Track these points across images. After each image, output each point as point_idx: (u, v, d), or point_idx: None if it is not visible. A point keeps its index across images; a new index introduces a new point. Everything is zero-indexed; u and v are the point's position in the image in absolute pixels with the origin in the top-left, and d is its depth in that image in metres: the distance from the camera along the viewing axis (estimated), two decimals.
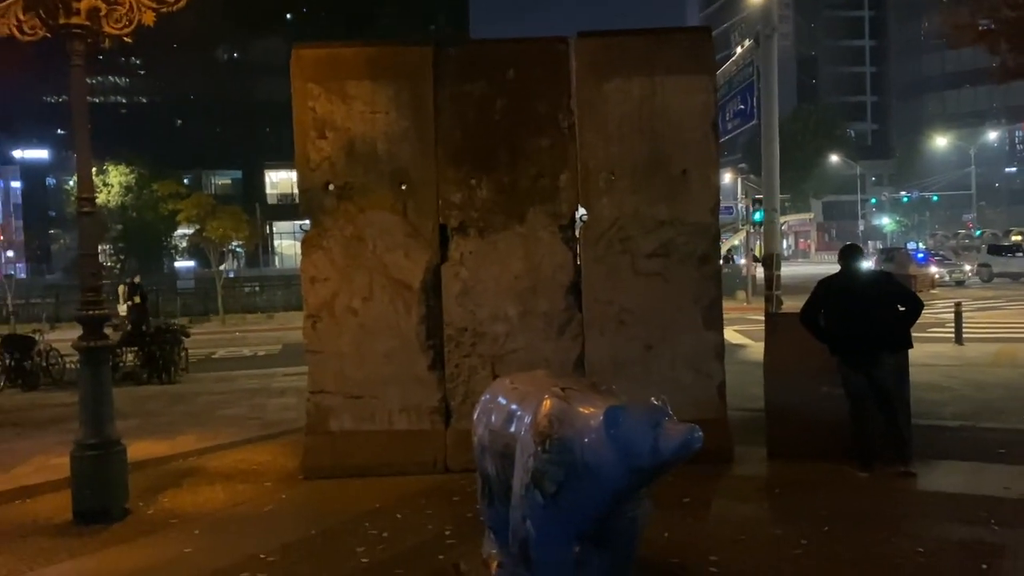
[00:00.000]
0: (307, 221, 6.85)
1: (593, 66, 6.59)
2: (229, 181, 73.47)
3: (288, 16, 70.29)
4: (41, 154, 71.17)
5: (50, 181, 73.31)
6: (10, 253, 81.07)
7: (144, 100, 78.83)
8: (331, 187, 6.63)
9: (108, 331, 11.68)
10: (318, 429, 6.65)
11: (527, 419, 3.44)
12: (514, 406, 3.65)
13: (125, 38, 5.74)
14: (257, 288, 40.24)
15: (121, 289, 15.65)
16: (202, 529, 5.38)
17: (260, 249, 57.35)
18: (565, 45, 6.65)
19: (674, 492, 5.31)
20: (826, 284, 6.31)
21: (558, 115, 6.63)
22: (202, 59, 74.11)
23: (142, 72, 79.12)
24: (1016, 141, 72.21)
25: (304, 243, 6.73)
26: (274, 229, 68.56)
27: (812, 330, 6.21)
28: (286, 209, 71.70)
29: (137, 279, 17.73)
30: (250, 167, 70.44)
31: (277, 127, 69.88)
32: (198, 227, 32.27)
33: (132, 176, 51.54)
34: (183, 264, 58.39)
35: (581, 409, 3.25)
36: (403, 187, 6.61)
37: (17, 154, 72.42)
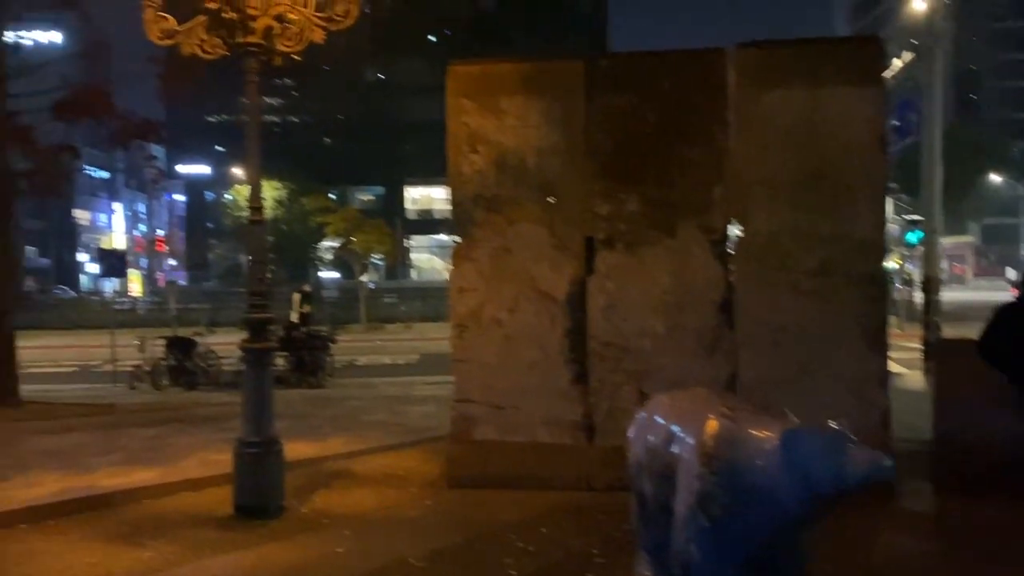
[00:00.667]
0: (450, 237, 6.97)
1: (752, 77, 6.38)
2: (372, 197, 76.39)
3: (431, 38, 72.65)
4: (202, 169, 76.45)
5: (209, 195, 78.51)
6: (173, 262, 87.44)
7: (295, 120, 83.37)
8: (481, 200, 6.71)
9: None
10: (463, 438, 6.71)
11: (691, 439, 3.30)
12: (675, 425, 3.52)
13: (294, 56, 6.03)
14: (395, 299, 41.60)
15: (295, 297, 16.51)
16: (352, 530, 5.52)
17: (399, 262, 59.41)
18: (722, 56, 6.47)
19: (837, 524, 4.99)
20: (1008, 310, 5.81)
21: (713, 127, 6.45)
22: (349, 81, 77.69)
23: (294, 93, 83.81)
24: None
25: (454, 255, 6.84)
26: (412, 243, 70.87)
27: (992, 359, 5.72)
28: (424, 224, 74.00)
29: (308, 288, 18.62)
30: (391, 183, 73.12)
31: (418, 145, 72.33)
32: (343, 240, 33.75)
33: (283, 191, 54.63)
34: (327, 275, 61.23)
35: (752, 431, 3.09)
36: (551, 200, 6.61)
37: (181, 169, 78.19)
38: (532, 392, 6.59)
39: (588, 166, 6.60)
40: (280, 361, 15.25)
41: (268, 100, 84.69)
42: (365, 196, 74.96)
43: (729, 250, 6.49)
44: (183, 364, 15.03)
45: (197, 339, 15.53)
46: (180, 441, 8.65)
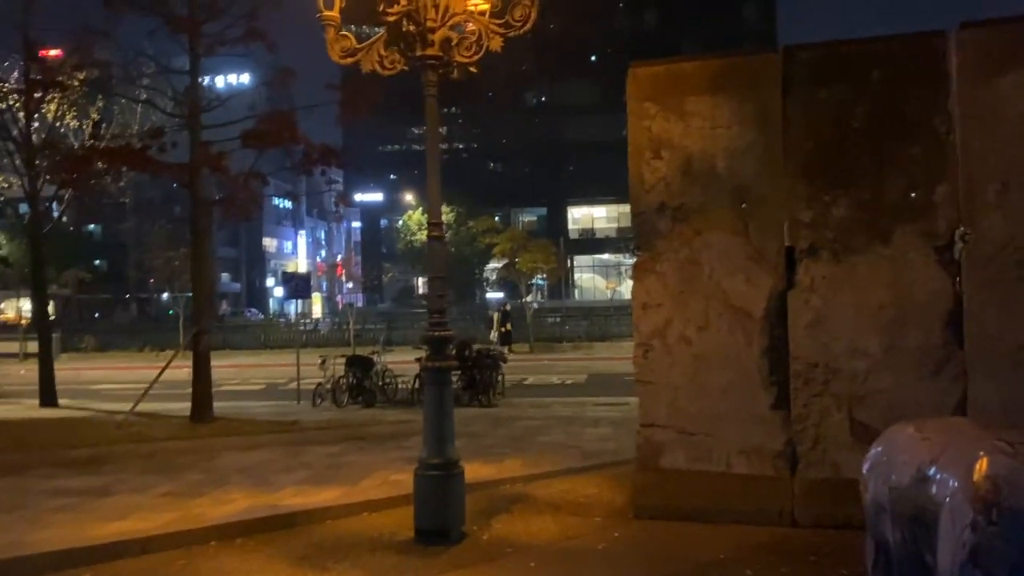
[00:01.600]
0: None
1: (981, 60, 5.56)
2: (535, 218, 77.25)
3: (592, 58, 72.74)
4: (376, 197, 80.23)
5: (383, 222, 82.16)
6: (350, 285, 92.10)
7: (460, 145, 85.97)
8: (666, 209, 6.25)
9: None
10: (649, 465, 6.24)
11: (956, 481, 2.71)
12: (930, 462, 2.93)
13: (472, 67, 5.86)
14: (559, 319, 41.50)
15: (496, 316, 16.79)
16: (538, 562, 5.18)
17: (562, 282, 59.49)
18: (943, 39, 5.70)
19: None
20: None
21: (933, 119, 5.68)
22: (512, 104, 79.16)
23: (459, 120, 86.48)
24: None
25: (636, 268, 6.41)
26: (575, 263, 70.89)
27: None
28: (586, 244, 73.92)
29: (508, 307, 18.82)
30: (554, 204, 73.70)
31: (579, 165, 72.60)
32: (507, 260, 34.04)
33: (452, 214, 56.22)
34: (493, 295, 62.32)
35: None
36: (744, 206, 6.05)
37: (358, 197, 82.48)
38: (726, 417, 6.03)
39: (787, 168, 5.99)
40: (453, 379, 15.41)
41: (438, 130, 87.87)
42: (528, 217, 75.84)
43: (956, 258, 5.68)
44: (362, 382, 15.42)
45: (374, 358, 15.91)
46: (360, 459, 8.70)
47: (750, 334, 6.03)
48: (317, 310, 75.40)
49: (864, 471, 3.35)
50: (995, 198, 5.52)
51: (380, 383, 15.42)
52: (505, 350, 15.28)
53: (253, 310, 69.14)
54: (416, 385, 14.54)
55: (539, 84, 78.11)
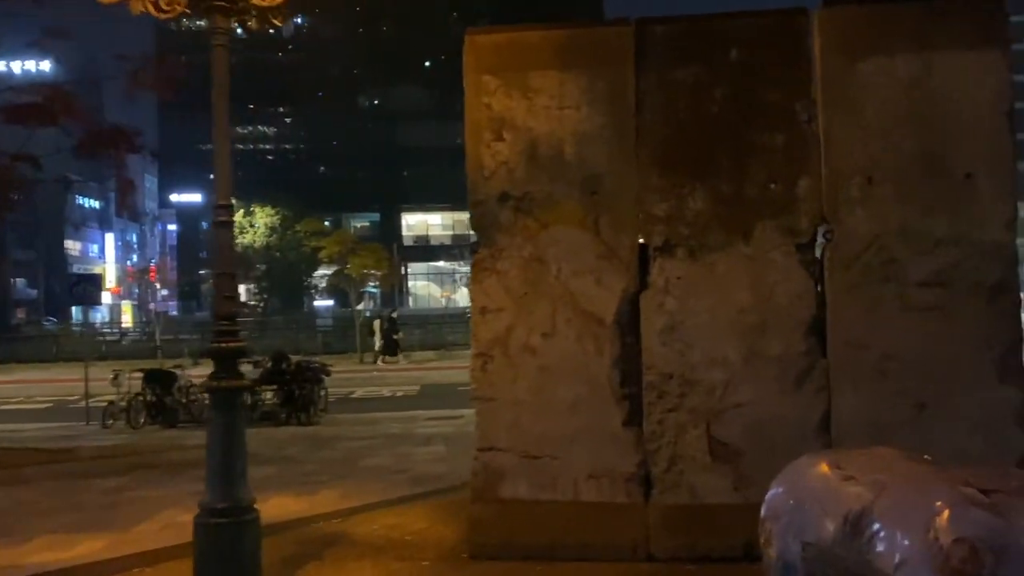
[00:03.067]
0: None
1: (845, 42, 5.14)
2: (367, 224, 75.41)
3: (426, 64, 71.85)
4: (195, 198, 75.27)
5: (204, 224, 77.29)
6: (164, 292, 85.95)
7: (289, 147, 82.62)
8: (508, 198, 5.43)
9: (247, 368, 10.92)
10: (487, 495, 5.37)
11: (908, 541, 2.01)
12: (860, 511, 2.22)
13: (273, 16, 4.78)
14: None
15: (376, 323, 15.31)
16: None
17: (395, 289, 58.07)
18: (805, 18, 5.24)
19: None
20: None
21: (795, 105, 5.20)
22: (344, 107, 76.97)
23: (288, 120, 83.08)
24: None
25: (475, 267, 5.55)
26: (409, 270, 69.60)
27: None
28: (420, 251, 72.86)
29: (395, 314, 17.33)
30: (387, 210, 72.06)
31: (414, 171, 71.42)
32: (338, 267, 32.47)
33: (276, 218, 53.42)
34: (322, 303, 59.82)
35: None
36: (595, 197, 5.34)
37: (174, 198, 77.13)
38: (575, 437, 5.27)
39: (641, 155, 5.33)
40: (268, 395, 13.97)
41: (263, 129, 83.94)
42: (360, 223, 73.85)
43: (819, 257, 5.22)
44: (162, 399, 13.67)
45: (178, 372, 14.18)
46: (146, 495, 7.28)
47: (601, 342, 5.31)
48: (127, 319, 69.69)
49: (764, 517, 2.65)
50: (859, 193, 5.10)
51: (184, 400, 13.73)
52: (379, 361, 13.99)
53: (52, 319, 62.72)
54: None
55: (373, 88, 76.35)
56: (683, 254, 5.26)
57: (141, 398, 13.62)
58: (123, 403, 13.55)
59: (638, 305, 5.28)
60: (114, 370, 14.35)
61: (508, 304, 5.41)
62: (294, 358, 14.88)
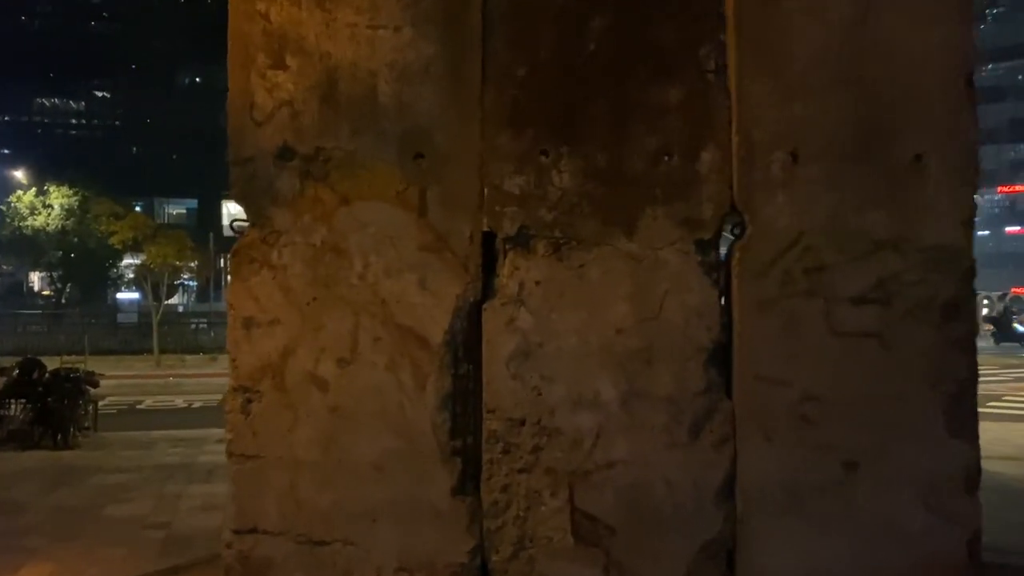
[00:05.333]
0: (234, 227, 3.88)
1: None
2: (184, 211, 70.03)
3: None
4: None
5: None
6: None
7: (100, 125, 75.63)
8: (291, 156, 3.66)
9: None
10: None
11: None
12: None
13: None
14: (204, 325, 36.73)
15: None
16: None
17: (212, 283, 53.65)
18: None
19: None
20: None
21: (698, 49, 3.77)
22: (164, 84, 71.19)
23: (99, 95, 75.92)
24: None
25: (236, 256, 3.74)
26: (228, 263, 64.97)
27: None
28: None
29: None
30: (207, 196, 66.79)
31: None
32: (138, 254, 28.97)
33: (76, 199, 47.78)
34: (126, 296, 54.31)
35: None
36: (420, 161, 3.68)
37: None
38: (379, 513, 3.59)
39: (487, 104, 3.72)
40: (17, 409, 11.30)
41: (71, 103, 75.99)
42: (176, 210, 68.36)
43: (725, 260, 3.82)
44: None
45: None
46: None
47: (423, 372, 3.65)
48: None
49: None
50: (780, 173, 3.73)
51: None
52: (96, 374, 11.48)
53: None
54: None
55: (196, 64, 70.82)
56: (544, 249, 3.70)
57: None
58: None
59: (479, 320, 3.68)
60: None
61: (287, 314, 3.64)
62: (53, 365, 12.20)
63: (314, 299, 3.64)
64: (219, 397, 17.60)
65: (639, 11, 3.77)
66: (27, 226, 48.09)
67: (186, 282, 51.47)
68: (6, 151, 66.72)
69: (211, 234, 50.34)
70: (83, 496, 7.38)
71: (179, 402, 16.98)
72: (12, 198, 49.77)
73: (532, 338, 3.66)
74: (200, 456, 9.69)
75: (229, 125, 3.70)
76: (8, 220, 51.06)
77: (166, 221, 61.34)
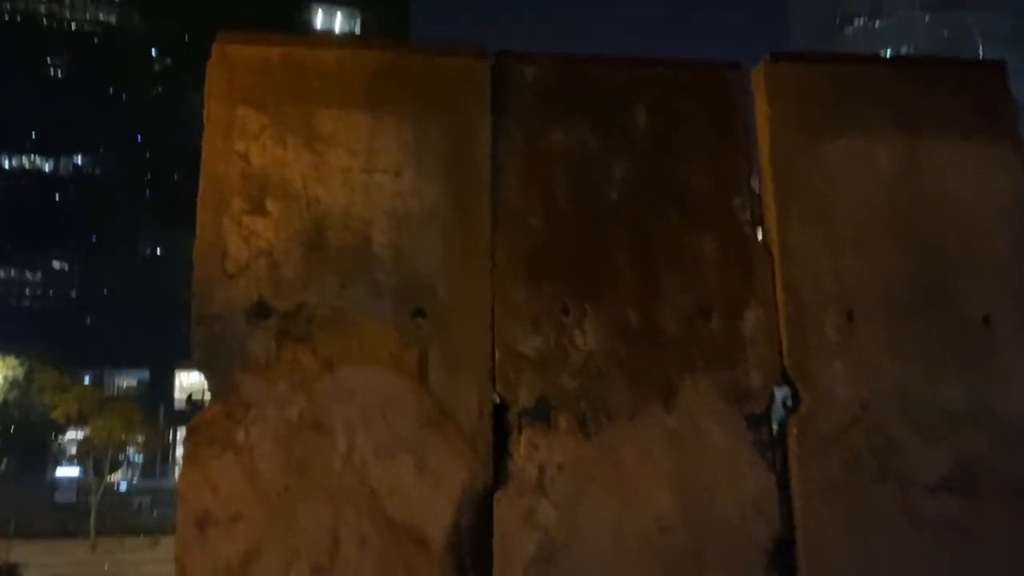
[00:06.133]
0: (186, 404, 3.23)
1: (801, 113, 3.45)
2: (135, 382, 68.20)
3: None
4: None
5: None
6: None
7: (53, 294, 74.80)
8: (268, 313, 3.09)
9: None
10: None
11: None
12: None
13: None
14: (148, 503, 34.51)
15: None
16: None
17: (159, 458, 51.15)
18: (740, 75, 3.55)
19: None
20: None
21: (731, 197, 3.38)
22: (123, 254, 71.29)
23: (56, 264, 75.58)
24: None
25: (192, 436, 3.06)
26: (178, 436, 62.33)
27: None
28: (194, 415, 66.09)
29: None
30: (159, 367, 65.17)
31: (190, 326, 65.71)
32: (82, 427, 27.43)
33: (22, 370, 46.08)
34: (66, 473, 51.34)
35: None
36: (420, 320, 3.13)
37: None
38: None
39: (499, 253, 3.23)
40: None
41: (25, 273, 75.29)
42: (128, 381, 66.44)
43: (779, 437, 3.24)
44: None
45: None
46: None
47: None
48: None
49: None
50: (836, 335, 3.25)
51: None
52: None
53: None
54: None
55: (154, 234, 71.27)
56: (568, 424, 3.09)
57: None
58: None
59: (490, 514, 3.00)
60: None
61: (252, 508, 2.93)
62: None
63: (286, 488, 2.95)
64: None
65: (664, 159, 3.39)
66: None
67: (132, 457, 49.09)
68: None
69: (161, 406, 48.68)
70: None
71: None
72: None
73: (556, 536, 2.98)
74: None
75: (195, 278, 3.13)
76: None
77: (116, 392, 59.36)
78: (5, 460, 48.98)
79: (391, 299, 3.14)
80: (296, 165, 3.22)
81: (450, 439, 3.04)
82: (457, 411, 3.07)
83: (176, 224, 65.78)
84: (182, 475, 2.98)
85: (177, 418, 57.72)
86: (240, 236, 3.14)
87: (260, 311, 3.08)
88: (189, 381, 66.80)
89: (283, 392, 3.02)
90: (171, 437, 57.68)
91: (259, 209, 3.15)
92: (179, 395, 64.72)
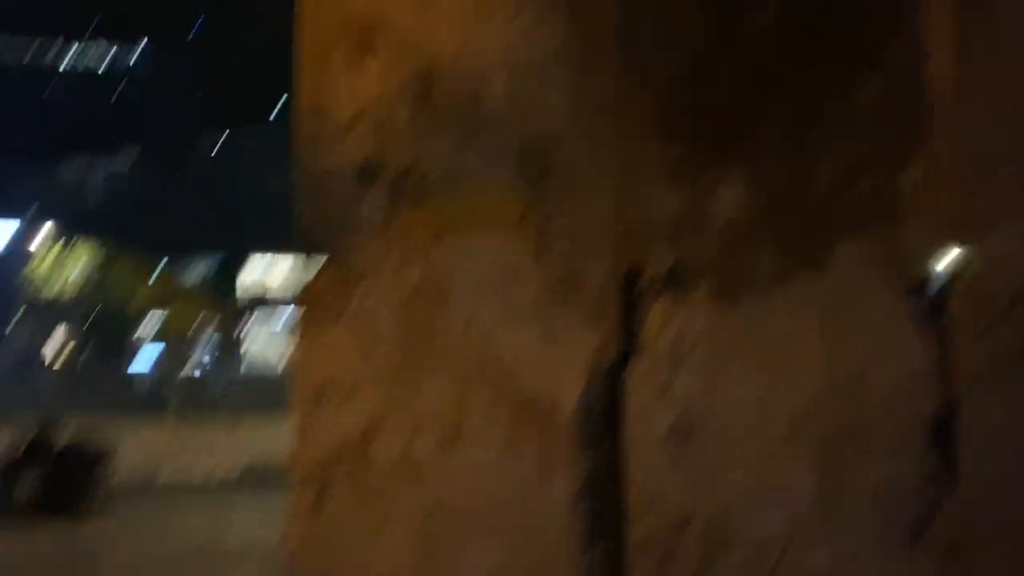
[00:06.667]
0: (293, 304, 3.04)
1: None
2: (203, 271, 70.18)
3: (279, 104, 68.24)
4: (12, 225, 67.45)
5: None
6: None
7: (128, 183, 76.57)
8: (379, 173, 2.85)
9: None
10: None
11: None
12: None
13: None
14: (222, 387, 36.09)
15: None
16: None
17: (231, 345, 53.14)
18: None
19: None
20: None
21: (894, 35, 2.96)
22: (191, 145, 72.11)
23: (129, 156, 76.96)
24: None
25: (306, 303, 2.89)
26: (249, 321, 64.58)
27: None
28: (263, 304, 68.08)
29: None
30: (231, 255, 67.07)
31: (260, 217, 67.16)
32: (161, 315, 28.53)
33: (100, 256, 47.87)
34: (148, 356, 53.89)
35: None
36: (543, 181, 2.86)
37: None
38: None
39: (630, 108, 2.91)
40: (27, 479, 10.46)
41: (103, 162, 77.08)
42: (197, 270, 68.35)
43: (939, 307, 2.93)
44: None
45: None
46: None
47: (550, 456, 2.76)
48: None
49: None
50: (1016, 189, 2.88)
51: None
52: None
53: None
54: None
55: (219, 128, 71.78)
56: (706, 293, 2.82)
57: None
58: None
59: (621, 386, 2.80)
60: None
61: (372, 380, 2.77)
62: (71, 429, 11.39)
63: (406, 359, 2.78)
64: (239, 469, 16.59)
65: None
66: (50, 283, 48.11)
67: (206, 341, 51.05)
68: (33, 209, 67.39)
69: (233, 292, 50.20)
70: None
71: (198, 472, 16.09)
72: (33, 262, 49.88)
73: (694, 411, 2.76)
74: (228, 534, 8.75)
75: (297, 135, 2.89)
76: (28, 284, 51.24)
77: (191, 278, 61.14)
78: (88, 344, 51.54)
79: (510, 159, 2.86)
80: (403, 8, 2.90)
81: (577, 308, 2.81)
82: (585, 278, 2.82)
83: (242, 115, 66.22)
84: (297, 345, 2.83)
85: (248, 304, 59.78)
86: (345, 89, 2.87)
87: (370, 171, 2.84)
88: (257, 271, 68.65)
89: (398, 258, 2.81)
90: (241, 325, 59.81)
91: (367, 49, 2.86)
92: (250, 282, 66.61)
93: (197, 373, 38.61)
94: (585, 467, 2.72)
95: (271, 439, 21.08)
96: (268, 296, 63.70)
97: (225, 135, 70.34)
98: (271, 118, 65.10)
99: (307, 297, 2.79)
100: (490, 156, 2.82)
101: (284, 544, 2.67)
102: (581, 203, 2.82)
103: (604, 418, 2.75)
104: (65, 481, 10.25)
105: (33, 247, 52.63)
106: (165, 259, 54.55)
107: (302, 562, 2.69)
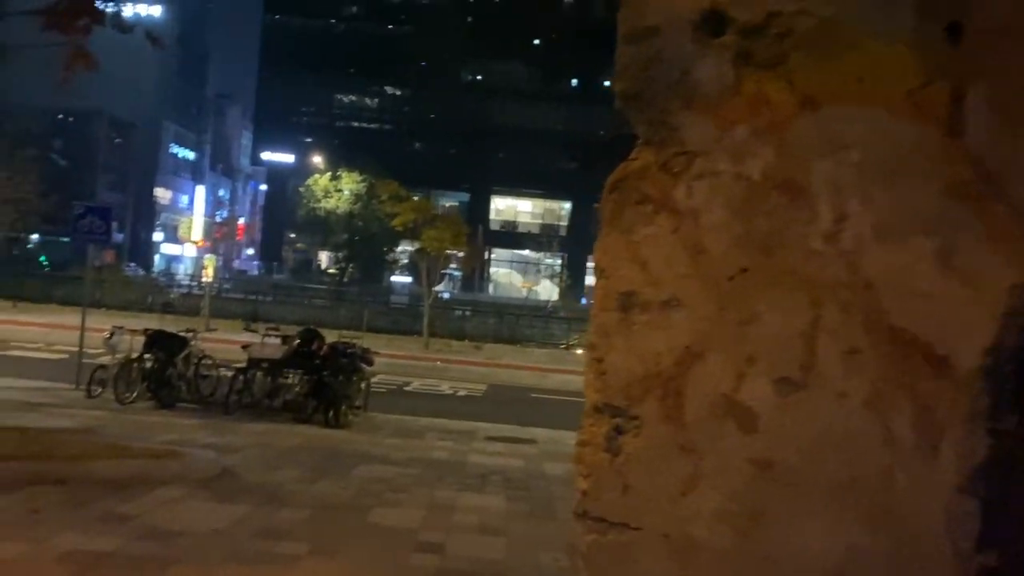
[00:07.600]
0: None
1: None
2: (455, 203, 73.39)
3: (535, 42, 68.53)
4: (287, 158, 74.08)
5: (293, 186, 76.70)
6: (250, 251, 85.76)
7: (387, 120, 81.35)
8: (723, 26, 2.20)
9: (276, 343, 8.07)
10: None
11: None
12: None
13: None
14: (468, 313, 37.43)
15: None
16: None
17: (477, 274, 55.25)
18: None
19: None
20: None
21: None
22: (446, 82, 74.89)
23: (389, 92, 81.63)
24: None
25: (615, 192, 2.33)
26: (493, 256, 66.79)
27: None
28: (507, 237, 70.06)
29: None
30: (477, 191, 69.37)
31: (508, 153, 68.27)
32: (415, 240, 29.93)
33: (363, 185, 51.20)
34: (400, 279, 57.53)
35: None
36: (955, 37, 2.06)
37: (265, 157, 76.09)
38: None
39: None
40: (293, 380, 11.20)
41: (367, 100, 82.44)
42: (449, 202, 71.76)
43: None
44: (165, 369, 10.94)
45: (190, 336, 11.44)
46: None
47: (937, 419, 1.99)
48: (208, 274, 69.61)
49: None
50: None
51: (189, 374, 10.99)
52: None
53: (132, 265, 62.47)
54: (238, 385, 10.28)
55: (475, 62, 73.60)
56: None
57: (138, 365, 10.96)
58: (114, 370, 10.92)
59: None
60: (113, 326, 11.72)
61: (695, 293, 2.17)
62: (332, 338, 12.01)
63: (743, 271, 2.13)
64: (483, 388, 17.02)
65: None
66: (320, 207, 52.50)
67: (452, 272, 53.33)
68: (308, 140, 73.70)
69: (480, 227, 51.94)
70: (349, 489, 6.59)
71: (444, 388, 16.69)
72: (309, 181, 54.58)
73: None
74: (470, 455, 8.77)
75: None
76: (305, 202, 56.16)
77: (439, 212, 64.23)
78: (352, 265, 55.82)
79: (909, 6, 2.07)
80: None
81: (995, 220, 1.99)
82: (1010, 179, 1.99)
83: (495, 52, 67.48)
84: (600, 243, 2.27)
85: (493, 239, 61.76)
86: None
87: (712, 24, 2.18)
88: (504, 205, 70.65)
89: (742, 138, 2.14)
90: (487, 256, 62.04)
91: None
92: (494, 217, 68.78)
93: (446, 296, 40.41)
94: (985, 443, 1.95)
95: (508, 362, 21.60)
96: (515, 230, 65.47)
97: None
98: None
99: (618, 182, 2.21)
100: (880, 5, 2.05)
101: (578, 495, 2.17)
102: (1009, 71, 1.98)
103: (1019, 379, 1.96)
104: (330, 384, 10.93)
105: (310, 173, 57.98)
106: (417, 194, 57.98)
107: (591, 508, 2.17)
